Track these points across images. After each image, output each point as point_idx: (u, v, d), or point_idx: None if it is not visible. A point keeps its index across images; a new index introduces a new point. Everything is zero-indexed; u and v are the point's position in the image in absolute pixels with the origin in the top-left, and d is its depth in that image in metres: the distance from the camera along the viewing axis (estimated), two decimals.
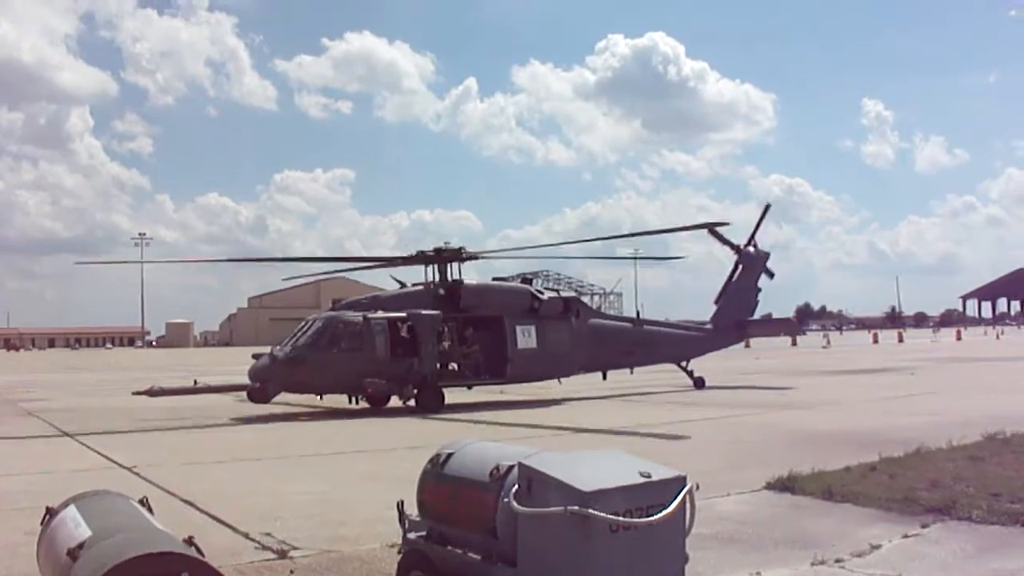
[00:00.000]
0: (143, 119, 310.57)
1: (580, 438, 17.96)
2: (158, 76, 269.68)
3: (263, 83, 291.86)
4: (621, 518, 5.49)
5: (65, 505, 5.81)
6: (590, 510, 5.39)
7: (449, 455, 6.76)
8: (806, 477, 11.32)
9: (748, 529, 9.17)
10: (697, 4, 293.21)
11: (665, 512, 5.66)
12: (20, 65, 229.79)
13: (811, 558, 7.99)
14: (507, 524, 5.99)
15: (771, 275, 33.56)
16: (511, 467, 6.12)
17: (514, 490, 5.92)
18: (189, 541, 5.16)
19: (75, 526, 5.32)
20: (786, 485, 11.11)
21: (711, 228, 32.03)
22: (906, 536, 8.73)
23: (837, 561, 7.93)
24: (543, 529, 5.68)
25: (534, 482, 5.80)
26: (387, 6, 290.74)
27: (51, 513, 5.82)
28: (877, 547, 8.31)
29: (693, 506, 5.97)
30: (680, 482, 5.93)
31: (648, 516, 5.63)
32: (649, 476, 5.81)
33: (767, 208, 33.97)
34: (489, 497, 6.17)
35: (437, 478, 6.73)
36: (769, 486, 11.22)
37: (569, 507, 5.41)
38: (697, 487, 6.05)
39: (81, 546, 4.92)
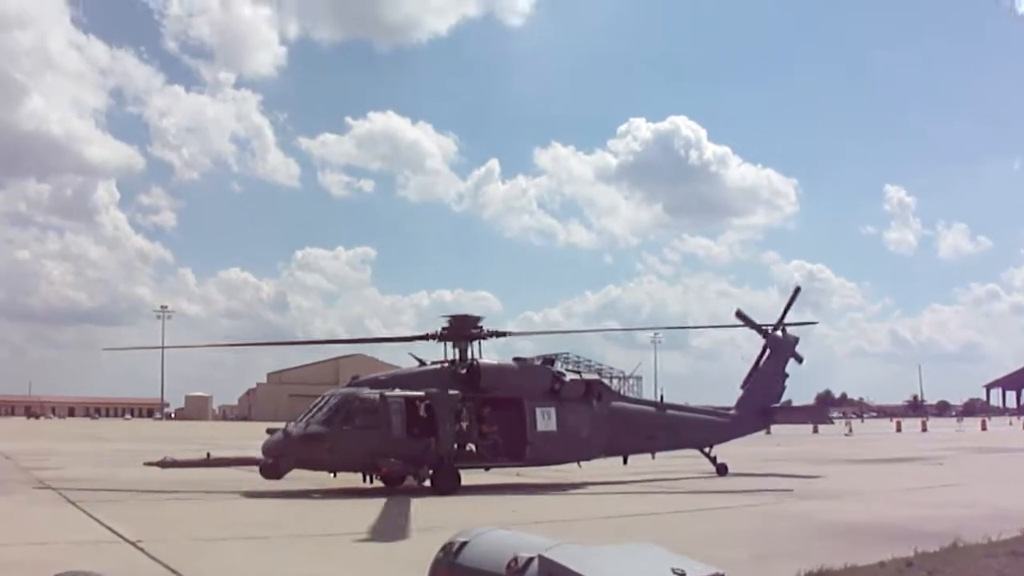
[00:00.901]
0: (168, 193, 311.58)
1: (602, 525, 17.39)
2: (184, 151, 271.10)
3: (287, 160, 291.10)
4: None
5: None
6: None
7: (463, 544, 6.23)
8: (839, 572, 10.77)
9: None
10: (720, 88, 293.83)
11: None
12: (49, 137, 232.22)
13: None
14: None
15: (800, 360, 32.98)
16: (531, 559, 5.61)
17: None
18: None
19: None
20: None
21: (740, 313, 31.63)
22: None
23: None
24: None
25: None
26: (411, 86, 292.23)
27: None
28: None
29: None
30: None
31: None
32: (683, 574, 5.31)
33: (797, 291, 33.50)
34: None
35: (449, 568, 6.20)
36: None
37: None
38: None
39: None
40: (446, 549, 6.28)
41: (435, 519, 17.51)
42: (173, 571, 11.61)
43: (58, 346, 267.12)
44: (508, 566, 5.70)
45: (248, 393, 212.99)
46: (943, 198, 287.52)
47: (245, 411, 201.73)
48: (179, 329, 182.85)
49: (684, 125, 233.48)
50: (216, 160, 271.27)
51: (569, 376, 27.86)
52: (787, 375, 32.84)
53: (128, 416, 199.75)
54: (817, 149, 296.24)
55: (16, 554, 12.81)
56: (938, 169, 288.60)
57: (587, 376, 29.86)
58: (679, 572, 5.32)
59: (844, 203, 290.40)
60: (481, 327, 27.28)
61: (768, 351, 32.47)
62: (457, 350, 26.88)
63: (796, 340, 33.13)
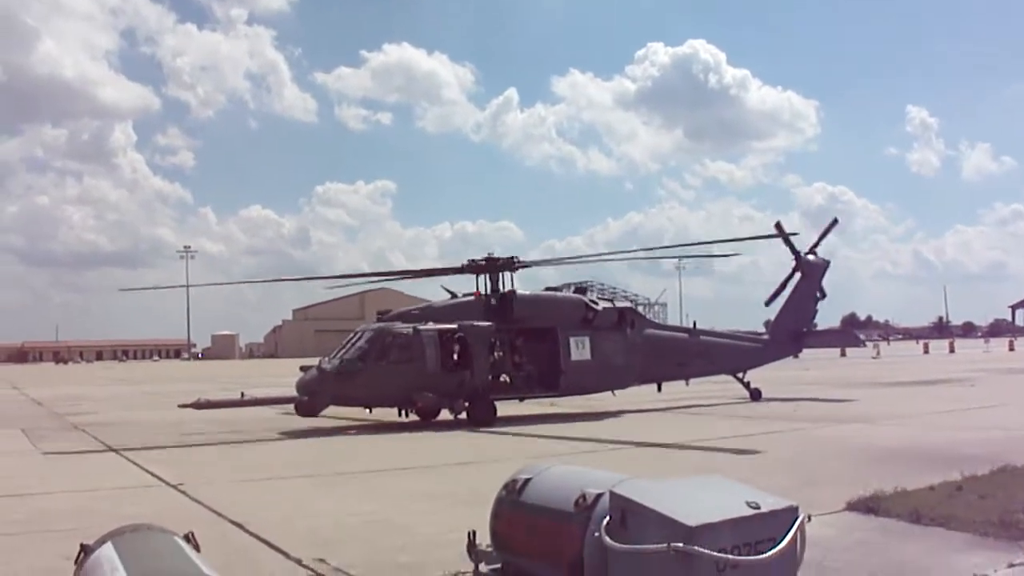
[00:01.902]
0: (185, 133, 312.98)
1: (644, 453, 17.28)
2: (199, 90, 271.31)
3: (303, 95, 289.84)
4: (730, 556, 4.83)
5: (101, 542, 5.07)
6: (696, 547, 4.72)
7: (527, 480, 6.06)
8: (889, 497, 10.63)
9: (838, 556, 8.43)
10: (738, 11, 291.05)
11: (778, 548, 5.01)
12: (63, 82, 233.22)
13: None
14: (596, 561, 5.31)
15: (823, 295, 32.64)
16: (599, 495, 5.45)
17: (605, 522, 5.26)
18: None
19: (111, 570, 4.62)
20: (869, 506, 10.44)
21: (779, 225, 31.20)
22: (1012, 565, 8.03)
23: None
24: (640, 568, 5.01)
25: (628, 514, 5.14)
26: (425, 17, 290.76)
27: (85, 551, 5.08)
28: None
29: (804, 540, 5.30)
30: (792, 513, 5.27)
31: (758, 552, 4.98)
32: (758, 507, 5.15)
33: (834, 222, 33.27)
34: (574, 529, 5.50)
35: (513, 506, 6.05)
36: (851, 507, 10.56)
37: (672, 544, 4.74)
38: (809, 518, 5.38)
39: None
40: (508, 487, 6.12)
41: (474, 453, 17.47)
42: (217, 513, 11.56)
43: (82, 290, 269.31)
44: (576, 503, 5.55)
45: (274, 330, 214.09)
46: (966, 118, 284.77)
47: (272, 348, 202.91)
48: (202, 268, 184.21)
49: (703, 49, 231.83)
50: (232, 98, 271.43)
51: (602, 304, 27.65)
52: (819, 299, 32.55)
53: (156, 358, 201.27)
54: (838, 70, 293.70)
55: (64, 502, 12.80)
56: (961, 89, 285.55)
57: (620, 304, 29.69)
58: (754, 505, 5.17)
59: (866, 124, 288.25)
60: (511, 259, 27.04)
61: (800, 274, 32.13)
62: (488, 281, 26.70)
63: (827, 264, 32.84)
